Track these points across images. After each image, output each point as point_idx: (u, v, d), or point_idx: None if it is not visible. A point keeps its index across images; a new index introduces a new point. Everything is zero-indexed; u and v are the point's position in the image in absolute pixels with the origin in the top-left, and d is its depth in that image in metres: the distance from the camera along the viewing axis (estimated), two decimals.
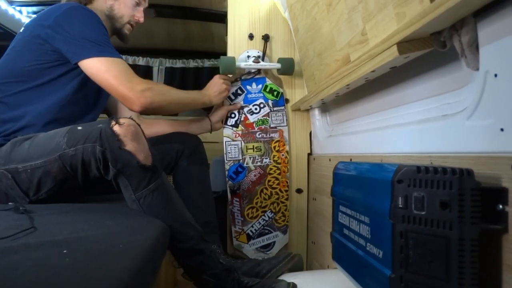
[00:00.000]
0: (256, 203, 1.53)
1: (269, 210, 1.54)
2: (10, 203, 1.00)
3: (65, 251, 0.59)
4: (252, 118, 1.56)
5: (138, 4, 1.34)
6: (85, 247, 0.63)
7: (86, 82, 1.16)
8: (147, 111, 1.15)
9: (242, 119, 1.56)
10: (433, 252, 0.56)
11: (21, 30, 1.21)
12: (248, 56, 1.56)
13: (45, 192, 0.99)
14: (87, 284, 0.49)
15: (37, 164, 0.95)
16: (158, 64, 3.11)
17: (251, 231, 1.54)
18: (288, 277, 1.07)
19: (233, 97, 1.56)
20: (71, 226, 0.75)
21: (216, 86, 1.40)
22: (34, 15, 2.10)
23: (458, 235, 0.54)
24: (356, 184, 0.79)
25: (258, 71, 1.57)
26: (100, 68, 1.08)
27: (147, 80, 1.17)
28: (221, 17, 2.04)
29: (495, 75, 0.59)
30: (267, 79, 1.57)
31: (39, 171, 0.96)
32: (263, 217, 1.54)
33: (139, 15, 1.35)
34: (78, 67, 1.12)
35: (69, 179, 0.98)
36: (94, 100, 1.26)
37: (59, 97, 1.14)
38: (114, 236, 0.71)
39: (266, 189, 1.54)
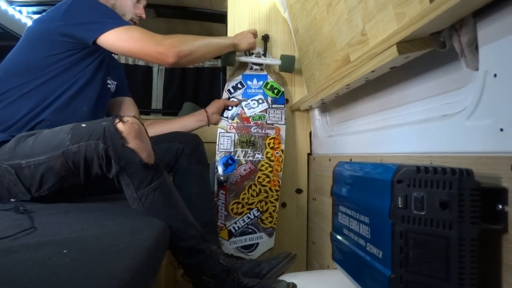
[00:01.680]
0: (243, 199, 1.48)
1: (256, 208, 1.49)
2: (12, 199, 1.00)
3: (65, 251, 0.59)
4: (249, 113, 1.54)
5: (138, 1, 1.39)
6: (85, 247, 0.63)
7: (97, 73, 1.22)
8: (181, 60, 1.18)
9: (239, 112, 1.54)
10: (432, 252, 0.56)
11: (28, 26, 1.23)
12: (252, 52, 1.57)
13: (47, 189, 0.99)
14: (87, 284, 0.49)
15: (40, 160, 0.96)
16: (158, 65, 3.10)
17: (233, 227, 1.47)
18: (288, 277, 1.06)
19: (232, 91, 1.56)
20: (71, 226, 0.75)
21: (245, 35, 1.45)
22: (34, 16, 2.11)
23: (458, 235, 0.54)
24: (356, 184, 0.79)
25: (261, 68, 1.57)
26: (121, 37, 1.12)
27: (169, 35, 1.21)
28: (221, 17, 2.04)
29: (495, 75, 0.59)
30: (269, 77, 1.57)
31: (42, 167, 0.96)
32: (248, 214, 1.48)
33: (140, 12, 1.40)
34: (87, 56, 1.18)
35: (71, 176, 0.98)
36: (98, 96, 1.28)
37: (70, 89, 1.17)
38: (114, 236, 0.71)
39: (255, 185, 1.49)
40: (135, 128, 0.91)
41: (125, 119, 0.91)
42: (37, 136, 1.01)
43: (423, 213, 0.57)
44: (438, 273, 0.55)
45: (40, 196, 1.00)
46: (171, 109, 2.90)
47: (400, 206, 0.58)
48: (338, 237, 0.87)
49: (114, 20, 1.15)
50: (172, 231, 0.93)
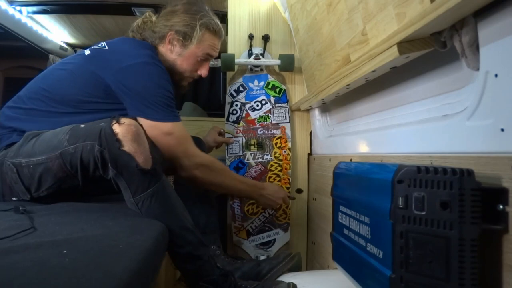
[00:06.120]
0: None
1: None
2: (14, 198, 1.01)
3: (65, 251, 0.59)
4: (253, 115, 1.55)
5: (204, 60, 1.28)
6: (85, 247, 0.63)
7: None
8: (190, 181, 1.18)
9: (243, 115, 1.55)
10: (433, 252, 0.56)
11: (85, 54, 1.16)
12: (250, 54, 1.57)
13: (45, 189, 0.99)
14: (87, 284, 0.49)
15: (39, 160, 0.95)
16: None
17: (251, 227, 1.53)
18: (288, 277, 1.07)
19: (235, 94, 1.57)
20: (70, 226, 0.75)
21: (278, 195, 1.37)
22: (34, 16, 2.10)
23: (458, 235, 0.54)
24: (356, 184, 0.79)
25: (260, 68, 1.57)
26: (160, 132, 1.08)
27: (205, 155, 1.19)
28: (221, 17, 2.04)
29: (496, 75, 0.59)
30: (269, 76, 1.57)
31: (40, 167, 0.95)
32: (263, 213, 1.53)
33: (204, 70, 1.30)
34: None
35: (69, 177, 0.97)
36: None
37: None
38: (114, 236, 0.71)
39: None
40: (132, 131, 0.87)
41: (122, 120, 0.87)
42: (39, 137, 1.00)
43: (423, 213, 0.57)
44: (438, 273, 0.55)
45: (40, 196, 1.00)
46: None
47: (400, 206, 0.58)
48: (339, 237, 0.87)
49: (164, 110, 1.09)
50: (170, 236, 0.92)
